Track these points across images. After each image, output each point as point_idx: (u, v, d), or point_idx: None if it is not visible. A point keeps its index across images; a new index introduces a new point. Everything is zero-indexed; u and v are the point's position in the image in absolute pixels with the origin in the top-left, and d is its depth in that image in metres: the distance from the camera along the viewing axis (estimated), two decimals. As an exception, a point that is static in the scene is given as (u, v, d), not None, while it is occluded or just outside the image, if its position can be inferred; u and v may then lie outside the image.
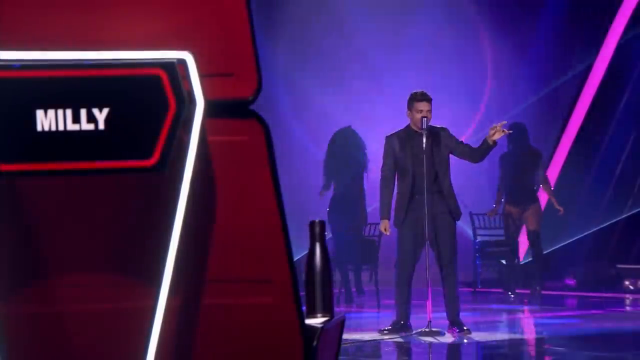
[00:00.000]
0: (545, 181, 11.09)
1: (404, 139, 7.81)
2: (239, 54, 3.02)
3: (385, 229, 7.98)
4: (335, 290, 11.02)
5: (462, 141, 8.02)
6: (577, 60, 12.89)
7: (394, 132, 7.94)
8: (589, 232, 11.71)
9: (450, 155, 7.85)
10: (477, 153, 7.82)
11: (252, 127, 2.96)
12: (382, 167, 7.94)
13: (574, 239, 11.72)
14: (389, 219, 7.92)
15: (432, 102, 7.78)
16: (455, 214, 7.82)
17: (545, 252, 11.51)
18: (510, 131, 7.76)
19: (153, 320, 2.84)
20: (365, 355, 7.23)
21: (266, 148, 2.96)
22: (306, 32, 13.49)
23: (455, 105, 12.44)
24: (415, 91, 7.83)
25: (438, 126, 7.89)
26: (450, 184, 7.80)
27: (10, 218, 2.85)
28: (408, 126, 7.85)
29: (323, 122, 12.65)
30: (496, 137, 7.54)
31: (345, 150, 11.18)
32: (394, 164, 7.84)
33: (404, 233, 7.80)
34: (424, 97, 7.72)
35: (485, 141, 7.64)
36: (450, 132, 7.90)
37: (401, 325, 7.76)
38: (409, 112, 7.78)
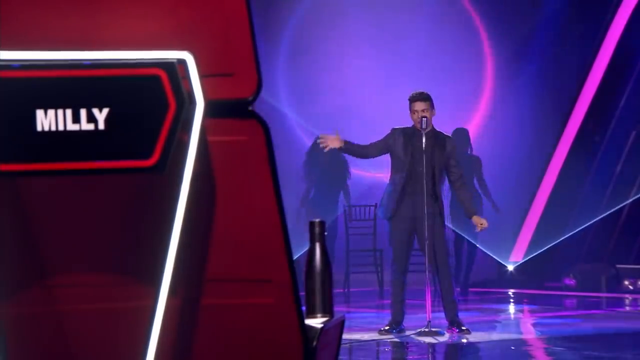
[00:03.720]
0: (484, 185, 11.28)
1: (408, 136, 7.82)
2: (239, 54, 3.02)
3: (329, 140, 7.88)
4: (339, 291, 11.06)
5: (457, 162, 7.97)
6: (578, 57, 12.90)
7: (402, 127, 7.95)
8: (591, 223, 11.67)
9: None
10: (454, 189, 7.97)
11: (252, 127, 2.96)
12: (372, 142, 7.98)
13: (575, 231, 11.69)
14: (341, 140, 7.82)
15: (434, 101, 7.80)
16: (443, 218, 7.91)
17: (546, 248, 11.58)
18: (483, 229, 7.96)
19: (153, 320, 2.84)
20: (365, 355, 7.23)
21: (266, 148, 2.96)
22: (306, 32, 13.49)
23: (455, 103, 12.46)
24: (413, 92, 7.87)
25: (447, 134, 7.99)
26: (441, 190, 7.86)
27: (10, 218, 2.84)
28: (414, 125, 7.85)
29: (323, 121, 12.65)
30: (476, 225, 7.77)
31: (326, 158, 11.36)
32: (379, 150, 7.92)
33: (394, 231, 7.83)
34: (419, 96, 7.75)
35: (466, 211, 7.81)
36: (455, 145, 7.97)
37: (396, 324, 7.78)
38: (410, 113, 7.81)
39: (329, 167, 11.55)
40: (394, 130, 7.92)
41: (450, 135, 8.03)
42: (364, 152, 7.98)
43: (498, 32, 13.66)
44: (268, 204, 2.97)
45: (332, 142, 7.81)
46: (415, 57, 13.15)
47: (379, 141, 7.93)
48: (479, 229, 7.88)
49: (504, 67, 13.61)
